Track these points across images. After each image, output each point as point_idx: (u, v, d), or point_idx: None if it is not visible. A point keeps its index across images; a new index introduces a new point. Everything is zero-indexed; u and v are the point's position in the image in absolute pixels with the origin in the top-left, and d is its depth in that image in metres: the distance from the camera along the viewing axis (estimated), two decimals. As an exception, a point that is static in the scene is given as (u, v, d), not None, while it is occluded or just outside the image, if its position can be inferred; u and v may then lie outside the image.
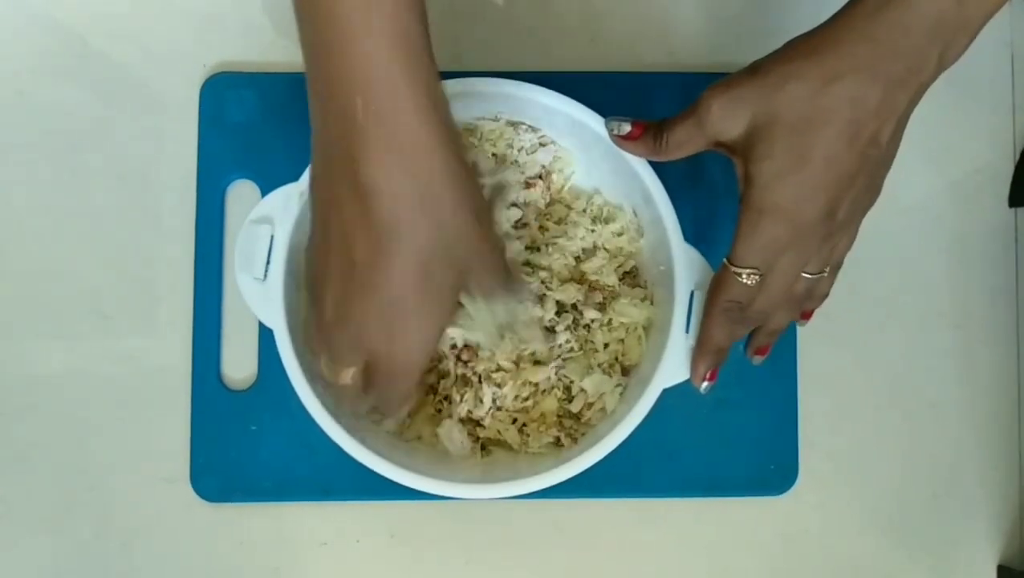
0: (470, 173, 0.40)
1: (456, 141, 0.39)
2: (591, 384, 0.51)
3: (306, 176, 0.48)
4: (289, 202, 0.48)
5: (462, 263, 0.40)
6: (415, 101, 0.37)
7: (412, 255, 0.38)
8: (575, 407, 0.51)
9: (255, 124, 0.57)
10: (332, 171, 0.38)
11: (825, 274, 0.47)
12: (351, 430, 0.48)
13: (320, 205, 0.40)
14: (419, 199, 0.37)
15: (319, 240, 0.41)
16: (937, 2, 0.38)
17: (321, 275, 0.41)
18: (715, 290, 0.46)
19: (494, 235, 0.43)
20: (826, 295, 0.49)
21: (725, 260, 0.45)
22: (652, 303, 0.53)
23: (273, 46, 0.58)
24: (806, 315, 0.50)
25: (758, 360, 0.51)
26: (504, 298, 0.45)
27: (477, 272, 0.42)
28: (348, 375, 0.42)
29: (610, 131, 0.47)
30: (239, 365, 0.57)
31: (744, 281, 0.44)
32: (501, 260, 0.44)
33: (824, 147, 0.40)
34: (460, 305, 0.44)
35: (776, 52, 0.42)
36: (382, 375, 0.42)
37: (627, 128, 0.47)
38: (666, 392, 0.48)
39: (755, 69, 0.42)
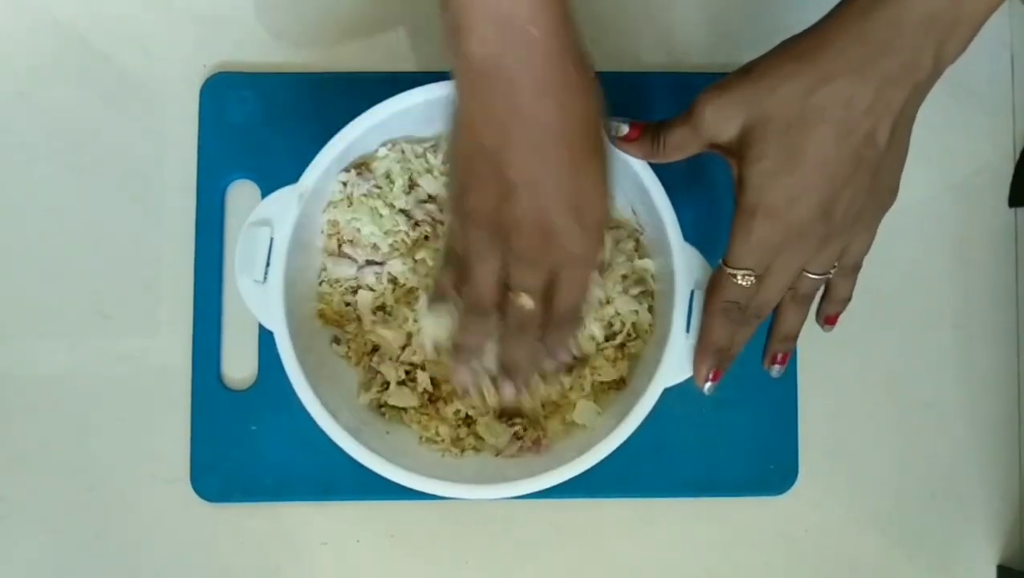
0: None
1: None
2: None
3: (304, 178, 0.48)
4: (289, 204, 0.48)
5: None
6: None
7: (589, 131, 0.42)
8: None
9: (255, 124, 0.57)
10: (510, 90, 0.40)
11: (831, 274, 0.47)
12: (351, 430, 0.48)
13: (470, 125, 0.42)
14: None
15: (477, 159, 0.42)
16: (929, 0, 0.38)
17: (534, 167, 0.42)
18: (712, 291, 0.46)
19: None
20: (848, 299, 0.49)
21: (721, 261, 0.45)
22: (652, 302, 0.53)
23: (273, 47, 0.58)
24: (830, 320, 0.51)
25: (777, 371, 0.50)
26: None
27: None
28: (529, 299, 0.44)
29: (608, 132, 0.47)
30: (239, 365, 0.57)
31: (740, 282, 0.44)
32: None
33: (816, 148, 0.41)
34: None
35: (769, 53, 0.42)
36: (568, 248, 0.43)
37: (625, 129, 0.47)
38: (666, 392, 0.48)
39: (748, 71, 0.42)
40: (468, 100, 0.41)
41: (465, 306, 0.46)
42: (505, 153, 0.41)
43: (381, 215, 0.52)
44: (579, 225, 0.42)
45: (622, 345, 0.52)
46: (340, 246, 0.53)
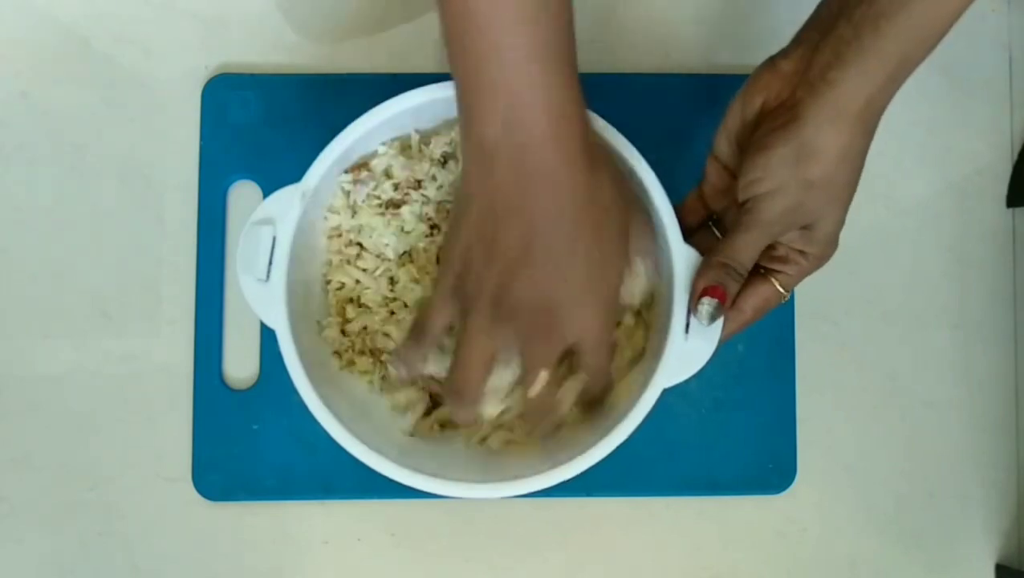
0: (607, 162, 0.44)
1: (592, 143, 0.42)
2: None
3: (308, 177, 0.48)
4: (291, 203, 0.48)
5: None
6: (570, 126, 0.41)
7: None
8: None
9: (257, 125, 0.57)
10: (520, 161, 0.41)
11: None
12: (352, 429, 0.48)
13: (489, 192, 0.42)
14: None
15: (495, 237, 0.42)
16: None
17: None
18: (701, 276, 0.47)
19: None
20: None
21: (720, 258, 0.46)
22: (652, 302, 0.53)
23: (275, 47, 0.58)
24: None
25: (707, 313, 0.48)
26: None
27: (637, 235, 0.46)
28: (546, 373, 0.44)
29: (699, 320, 0.46)
30: (241, 364, 0.57)
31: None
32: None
33: None
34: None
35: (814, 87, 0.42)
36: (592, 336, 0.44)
37: (710, 310, 0.46)
38: (666, 392, 0.48)
39: (807, 184, 0.43)
40: (478, 180, 0.42)
41: (449, 393, 0.46)
42: (512, 233, 0.41)
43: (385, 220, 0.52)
44: (586, 304, 0.43)
45: (639, 313, 0.52)
46: (341, 250, 0.53)
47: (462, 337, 0.44)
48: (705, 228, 0.50)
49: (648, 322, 0.52)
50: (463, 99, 0.40)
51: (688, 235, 0.48)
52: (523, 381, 0.45)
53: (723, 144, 0.47)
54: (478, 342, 0.44)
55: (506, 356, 0.44)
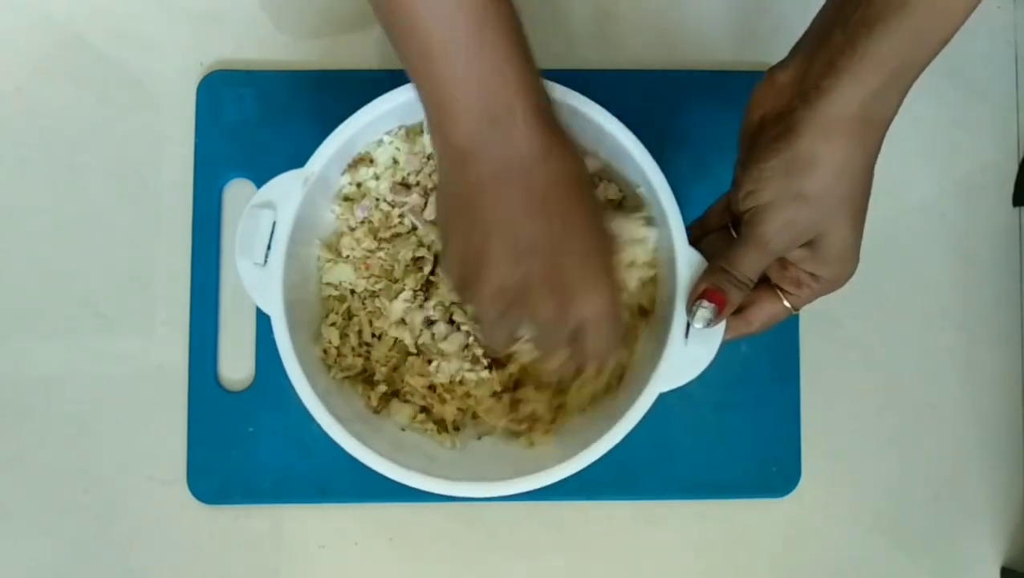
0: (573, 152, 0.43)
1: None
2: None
3: (311, 164, 0.48)
4: (292, 188, 0.48)
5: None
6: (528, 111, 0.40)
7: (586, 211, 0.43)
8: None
9: (252, 122, 0.56)
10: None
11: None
12: (349, 429, 0.47)
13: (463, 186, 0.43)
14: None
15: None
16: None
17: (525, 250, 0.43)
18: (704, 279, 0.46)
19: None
20: None
21: (724, 266, 0.45)
22: (654, 293, 0.52)
23: (271, 44, 0.58)
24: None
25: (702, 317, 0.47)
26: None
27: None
28: (559, 357, 0.45)
29: (692, 323, 0.46)
30: (236, 365, 0.56)
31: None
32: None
33: None
34: None
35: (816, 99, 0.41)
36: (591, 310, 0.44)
37: (708, 315, 0.45)
38: (668, 393, 0.48)
39: (802, 197, 0.42)
40: (458, 179, 0.42)
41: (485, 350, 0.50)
42: (503, 223, 0.42)
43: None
44: (590, 273, 0.43)
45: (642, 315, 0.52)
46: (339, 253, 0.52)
47: (483, 325, 0.46)
48: (724, 229, 0.49)
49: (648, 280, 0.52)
50: (432, 104, 0.41)
51: (706, 236, 0.48)
52: (542, 360, 0.47)
53: (741, 151, 0.46)
54: (494, 333, 0.45)
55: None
